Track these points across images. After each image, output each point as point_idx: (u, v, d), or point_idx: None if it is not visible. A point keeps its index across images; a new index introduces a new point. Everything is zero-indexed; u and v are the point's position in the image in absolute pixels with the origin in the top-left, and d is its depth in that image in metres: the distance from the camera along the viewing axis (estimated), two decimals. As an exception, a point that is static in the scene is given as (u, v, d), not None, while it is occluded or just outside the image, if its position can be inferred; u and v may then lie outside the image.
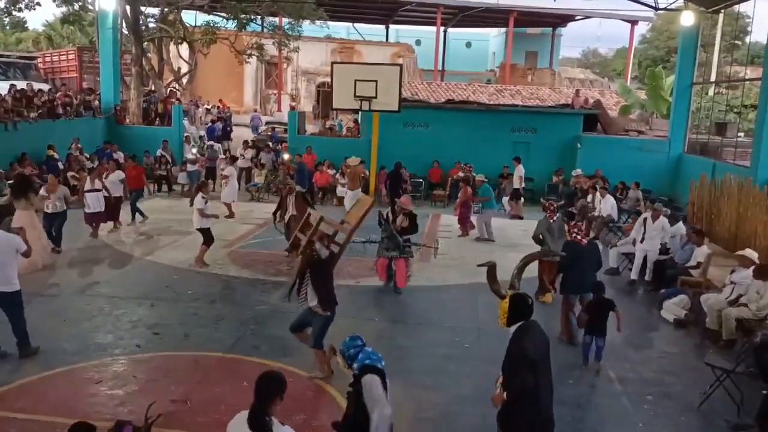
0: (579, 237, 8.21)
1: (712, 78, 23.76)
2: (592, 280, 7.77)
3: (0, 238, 6.85)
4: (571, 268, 7.93)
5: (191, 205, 11.09)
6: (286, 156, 17.34)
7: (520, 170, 17.21)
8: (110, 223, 12.86)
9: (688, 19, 17.64)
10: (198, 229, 10.74)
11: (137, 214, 13.74)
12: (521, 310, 4.53)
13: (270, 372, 3.71)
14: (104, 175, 12.68)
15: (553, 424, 4.57)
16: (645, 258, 10.67)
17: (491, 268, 5.19)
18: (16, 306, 6.88)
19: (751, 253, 8.92)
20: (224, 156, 17.64)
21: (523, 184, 17.29)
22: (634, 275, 10.75)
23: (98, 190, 12.13)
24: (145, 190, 15.38)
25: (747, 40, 29.62)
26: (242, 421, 3.55)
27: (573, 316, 7.96)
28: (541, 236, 9.41)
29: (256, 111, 32.28)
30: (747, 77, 22.38)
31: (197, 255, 10.71)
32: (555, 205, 9.91)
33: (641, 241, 10.68)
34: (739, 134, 19.29)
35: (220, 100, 31.32)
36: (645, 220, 10.76)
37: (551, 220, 9.51)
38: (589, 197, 14.69)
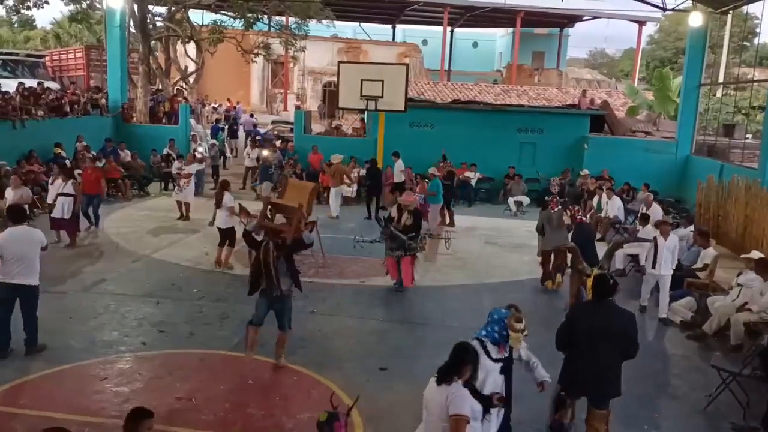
0: (583, 218, 9.02)
1: (720, 79, 23.68)
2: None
3: (26, 233, 6.95)
4: (586, 247, 8.53)
5: (217, 206, 10.55)
6: (265, 152, 17.31)
7: (399, 165, 17.02)
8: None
9: (696, 19, 17.55)
10: (221, 229, 10.50)
11: (95, 220, 12.63)
12: (600, 288, 5.21)
13: (466, 343, 4.25)
14: (50, 181, 11.90)
15: (580, 391, 5.24)
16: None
17: (573, 249, 6.36)
18: (34, 299, 6.96)
19: (758, 256, 8.86)
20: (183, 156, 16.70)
21: (403, 177, 16.61)
22: (644, 302, 9.48)
23: (71, 195, 11.40)
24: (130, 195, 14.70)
25: (755, 41, 29.55)
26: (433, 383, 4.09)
27: (584, 290, 8.00)
28: (541, 225, 10.21)
29: (239, 103, 32.26)
30: (755, 78, 22.26)
31: (219, 257, 10.51)
32: (557, 199, 10.50)
33: (653, 267, 9.18)
34: (747, 136, 19.22)
35: (228, 99, 31.39)
36: (655, 239, 9.20)
37: (552, 211, 10.10)
38: (596, 198, 14.64)
